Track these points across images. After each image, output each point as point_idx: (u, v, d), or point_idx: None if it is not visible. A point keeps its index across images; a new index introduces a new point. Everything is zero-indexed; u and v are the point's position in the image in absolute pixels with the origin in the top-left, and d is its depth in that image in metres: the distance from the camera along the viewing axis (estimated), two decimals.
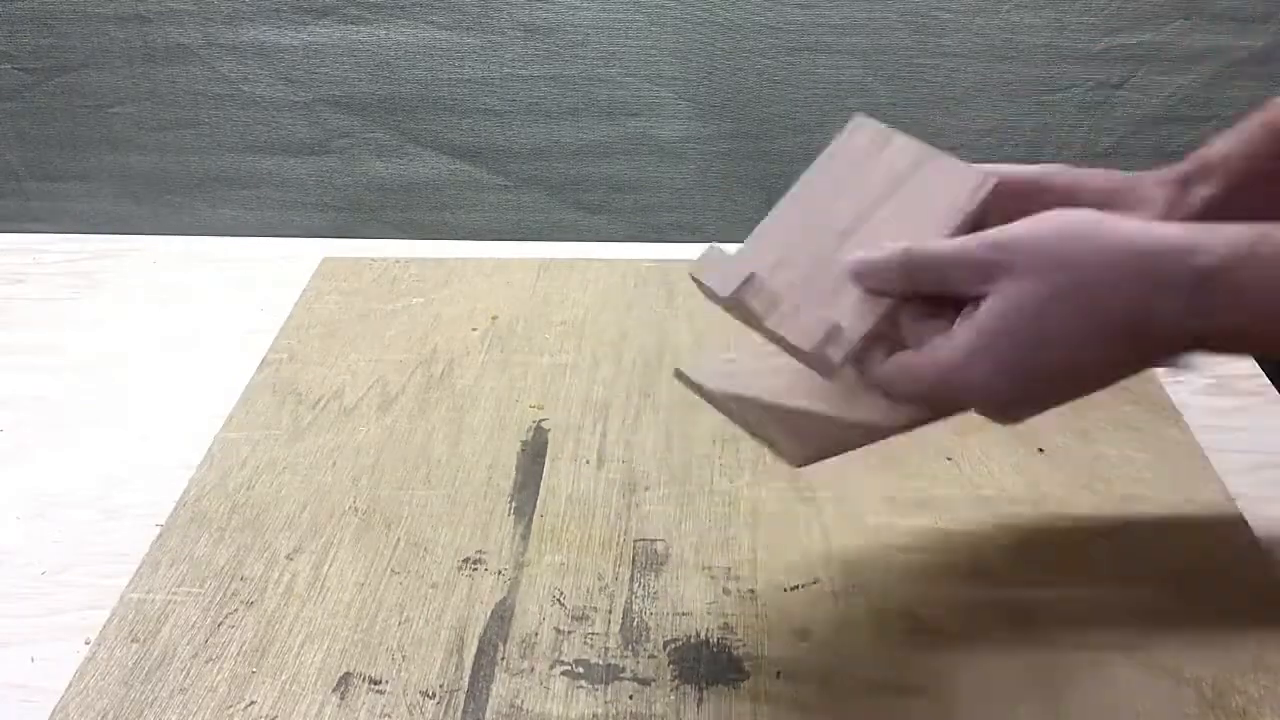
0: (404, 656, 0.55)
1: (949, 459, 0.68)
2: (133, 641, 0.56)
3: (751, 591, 0.59)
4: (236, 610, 0.58)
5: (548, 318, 0.83)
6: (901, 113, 1.13)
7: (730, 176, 1.17)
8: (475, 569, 0.61)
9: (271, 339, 0.81)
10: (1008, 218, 0.46)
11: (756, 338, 0.49)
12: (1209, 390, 0.74)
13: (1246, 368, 0.77)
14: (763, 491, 0.65)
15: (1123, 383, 0.74)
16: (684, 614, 0.58)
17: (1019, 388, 0.45)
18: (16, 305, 0.87)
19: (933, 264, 0.46)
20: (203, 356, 0.80)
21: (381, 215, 1.20)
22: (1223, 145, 0.52)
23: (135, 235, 0.97)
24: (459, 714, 0.52)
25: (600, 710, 0.53)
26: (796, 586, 0.59)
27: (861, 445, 0.50)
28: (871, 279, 0.47)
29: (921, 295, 0.46)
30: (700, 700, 0.53)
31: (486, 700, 0.53)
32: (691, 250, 0.99)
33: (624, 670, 0.55)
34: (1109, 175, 0.52)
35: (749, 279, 0.47)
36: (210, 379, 0.77)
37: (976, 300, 0.45)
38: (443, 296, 0.86)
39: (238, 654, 0.56)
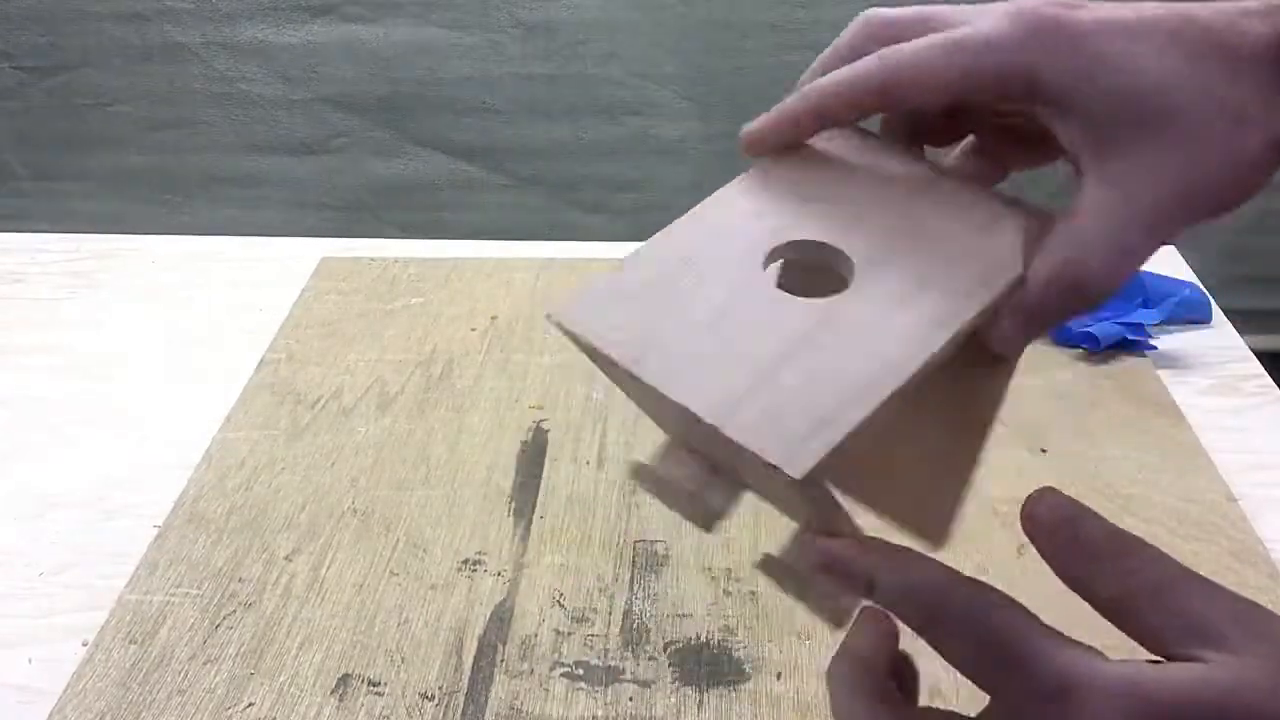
0: (403, 658, 0.55)
1: None
2: (131, 643, 0.56)
3: (752, 593, 0.58)
4: (235, 611, 0.58)
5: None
6: None
7: (730, 175, 1.17)
8: (475, 570, 0.60)
9: (270, 339, 0.80)
10: None
11: None
12: (1212, 391, 0.74)
13: (1250, 369, 0.76)
14: None
15: (1125, 383, 0.74)
16: (684, 615, 0.57)
17: None
18: (15, 305, 0.86)
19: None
20: (201, 356, 0.80)
21: (380, 214, 1.20)
22: None
23: (133, 235, 0.97)
24: (458, 716, 0.52)
25: (600, 712, 0.52)
26: None
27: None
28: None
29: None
30: (701, 702, 0.53)
31: (486, 702, 0.53)
32: None
33: (624, 672, 0.54)
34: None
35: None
36: (209, 379, 0.77)
37: None
38: (442, 296, 0.86)
39: (236, 655, 0.55)
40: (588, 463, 0.68)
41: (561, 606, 0.58)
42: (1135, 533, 0.32)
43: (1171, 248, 0.90)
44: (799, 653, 0.55)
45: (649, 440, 0.71)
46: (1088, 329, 0.76)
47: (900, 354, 0.29)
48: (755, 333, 0.30)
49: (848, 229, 0.33)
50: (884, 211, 0.34)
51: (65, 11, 1.10)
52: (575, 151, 1.18)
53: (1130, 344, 0.77)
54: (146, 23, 1.10)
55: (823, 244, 0.33)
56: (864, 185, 0.35)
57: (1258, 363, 0.77)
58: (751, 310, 0.31)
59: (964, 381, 0.35)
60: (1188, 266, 0.88)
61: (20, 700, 0.54)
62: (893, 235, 0.33)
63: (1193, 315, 0.81)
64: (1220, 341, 0.79)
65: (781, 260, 0.33)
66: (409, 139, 1.17)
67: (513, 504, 0.65)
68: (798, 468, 0.27)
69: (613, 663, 0.55)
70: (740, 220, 0.34)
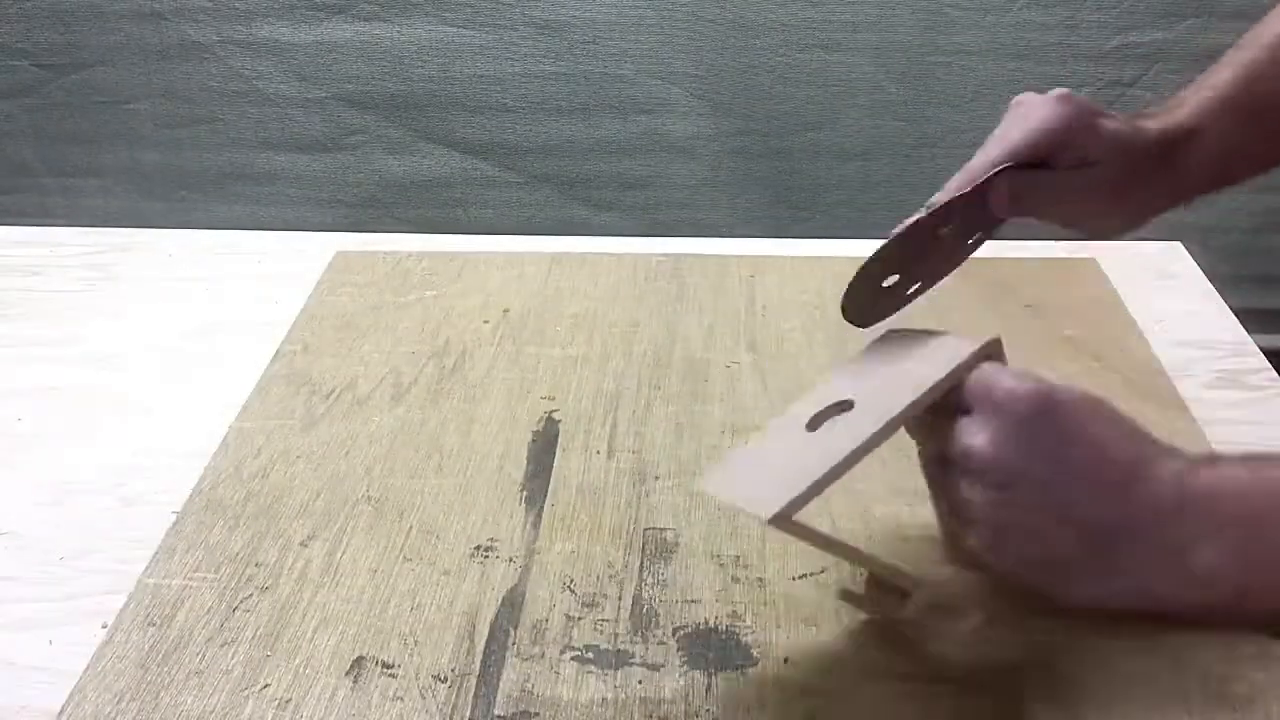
0: (416, 641, 0.56)
1: None
2: (149, 625, 0.57)
3: (760, 580, 0.59)
4: (251, 595, 0.59)
5: (559, 310, 0.84)
6: (912, 110, 1.14)
7: (741, 173, 1.18)
8: (487, 556, 0.61)
9: (285, 331, 0.82)
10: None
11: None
12: (1218, 384, 0.75)
13: (1255, 362, 0.77)
14: None
15: (1130, 377, 0.75)
16: (693, 601, 0.58)
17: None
18: (35, 297, 0.88)
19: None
20: (217, 348, 0.81)
21: (394, 211, 1.21)
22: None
23: (150, 229, 0.98)
24: (470, 697, 0.53)
25: (610, 695, 0.53)
26: (804, 575, 0.59)
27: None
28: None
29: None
30: (709, 686, 0.53)
31: (498, 684, 0.54)
32: (701, 245, 1.00)
33: (634, 656, 0.55)
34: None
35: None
36: (225, 370, 0.78)
37: None
38: (455, 289, 0.87)
39: (252, 638, 0.56)
40: (598, 452, 0.69)
41: (572, 592, 0.59)
42: None
43: (1178, 243, 0.91)
44: (806, 639, 0.56)
45: (659, 430, 0.72)
46: None
47: (843, 449, 0.49)
48: (782, 458, 0.52)
49: (859, 383, 0.54)
50: (887, 368, 0.54)
51: (83, 10, 1.11)
52: (587, 149, 1.18)
53: None
54: (164, 21, 1.12)
55: (843, 401, 0.53)
56: (887, 354, 0.56)
57: (1263, 356, 0.77)
58: (786, 447, 0.53)
59: None
60: (1194, 264, 0.88)
61: (41, 680, 0.55)
62: (880, 379, 0.54)
63: None
64: (1225, 335, 0.80)
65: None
66: (422, 136, 1.18)
67: (524, 492, 0.66)
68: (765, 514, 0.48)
69: (622, 647, 0.56)
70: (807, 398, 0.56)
